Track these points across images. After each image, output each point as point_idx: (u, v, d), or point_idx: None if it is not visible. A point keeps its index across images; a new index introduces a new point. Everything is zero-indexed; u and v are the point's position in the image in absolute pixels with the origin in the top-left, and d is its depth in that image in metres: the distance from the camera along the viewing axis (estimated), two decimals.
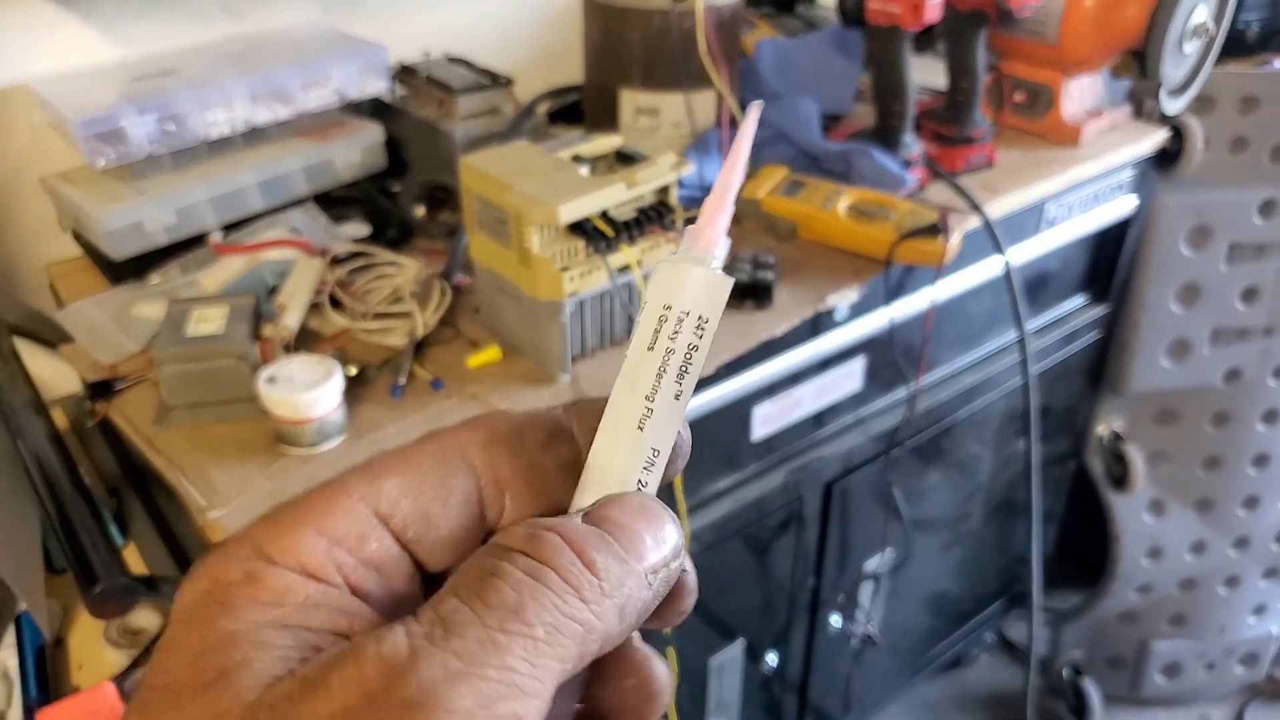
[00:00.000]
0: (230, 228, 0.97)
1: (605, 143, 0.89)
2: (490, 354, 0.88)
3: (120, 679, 0.77)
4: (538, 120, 1.13)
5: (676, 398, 0.24)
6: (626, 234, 0.83)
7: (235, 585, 0.20)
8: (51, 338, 0.99)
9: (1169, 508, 1.51)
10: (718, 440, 1.02)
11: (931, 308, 1.06)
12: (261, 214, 0.98)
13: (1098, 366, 1.48)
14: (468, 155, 0.85)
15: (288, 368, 0.78)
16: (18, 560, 0.83)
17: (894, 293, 1.05)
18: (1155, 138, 1.25)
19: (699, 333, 0.24)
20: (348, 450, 0.78)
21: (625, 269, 0.84)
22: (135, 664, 0.80)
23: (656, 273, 0.25)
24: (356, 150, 1.02)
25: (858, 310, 1.03)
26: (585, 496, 0.24)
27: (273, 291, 0.88)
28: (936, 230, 0.99)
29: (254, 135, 0.98)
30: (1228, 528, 1.50)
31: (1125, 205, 1.30)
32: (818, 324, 1.00)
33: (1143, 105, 1.27)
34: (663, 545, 0.23)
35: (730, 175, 0.25)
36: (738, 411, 1.01)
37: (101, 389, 0.83)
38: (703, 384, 0.90)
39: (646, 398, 0.24)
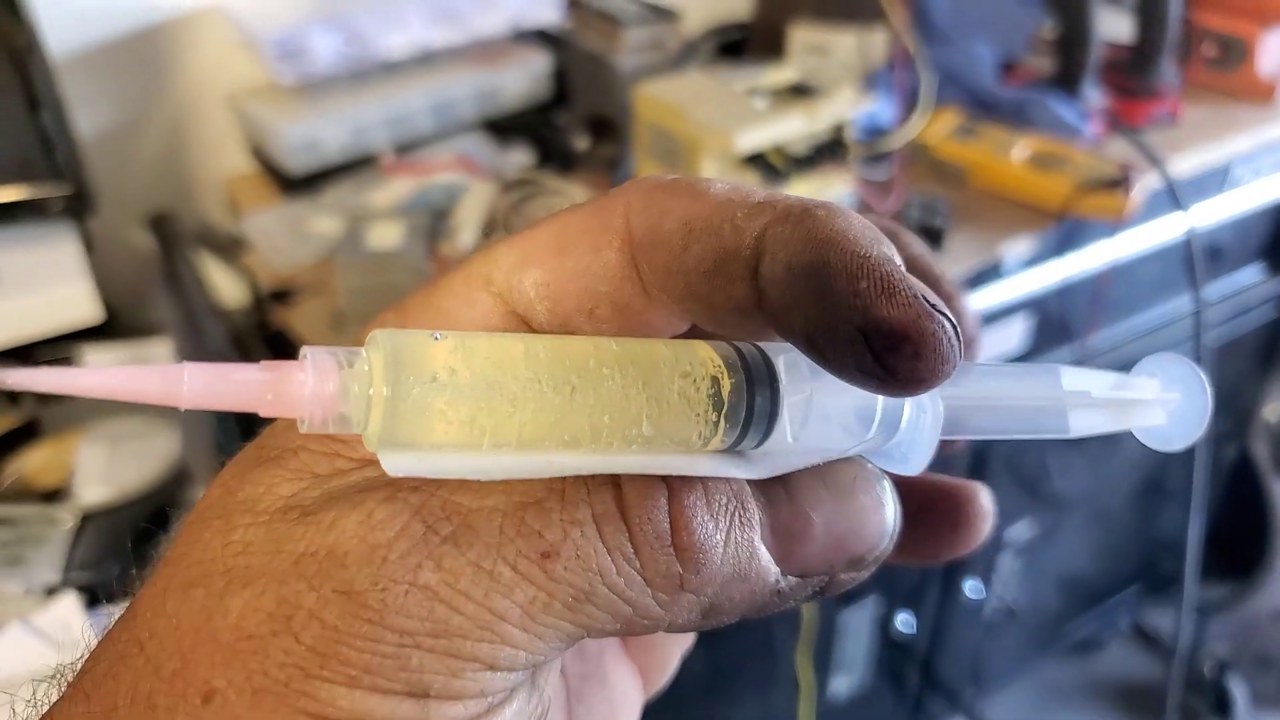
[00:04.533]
0: (398, 150, 0.99)
1: (781, 76, 0.87)
2: None
3: None
4: (702, 56, 1.11)
5: None
6: (800, 169, 0.81)
7: None
8: (222, 248, 1.03)
9: None
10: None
11: (1109, 266, 1.01)
12: (430, 138, 1.00)
13: (1271, 344, 1.39)
14: (642, 84, 0.84)
15: None
16: (199, 453, 0.87)
17: (1062, 248, 1.01)
18: None
19: None
20: None
21: None
22: None
23: None
24: (524, 79, 1.03)
25: (1025, 264, 0.99)
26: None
27: (442, 213, 0.90)
28: (1118, 183, 0.94)
29: (426, 59, 1.00)
30: None
31: None
32: (980, 277, 0.97)
33: None
34: (842, 547, 0.18)
35: None
36: None
37: (279, 297, 0.86)
38: None
39: None
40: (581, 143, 1.03)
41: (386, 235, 0.81)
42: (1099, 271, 1.03)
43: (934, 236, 0.91)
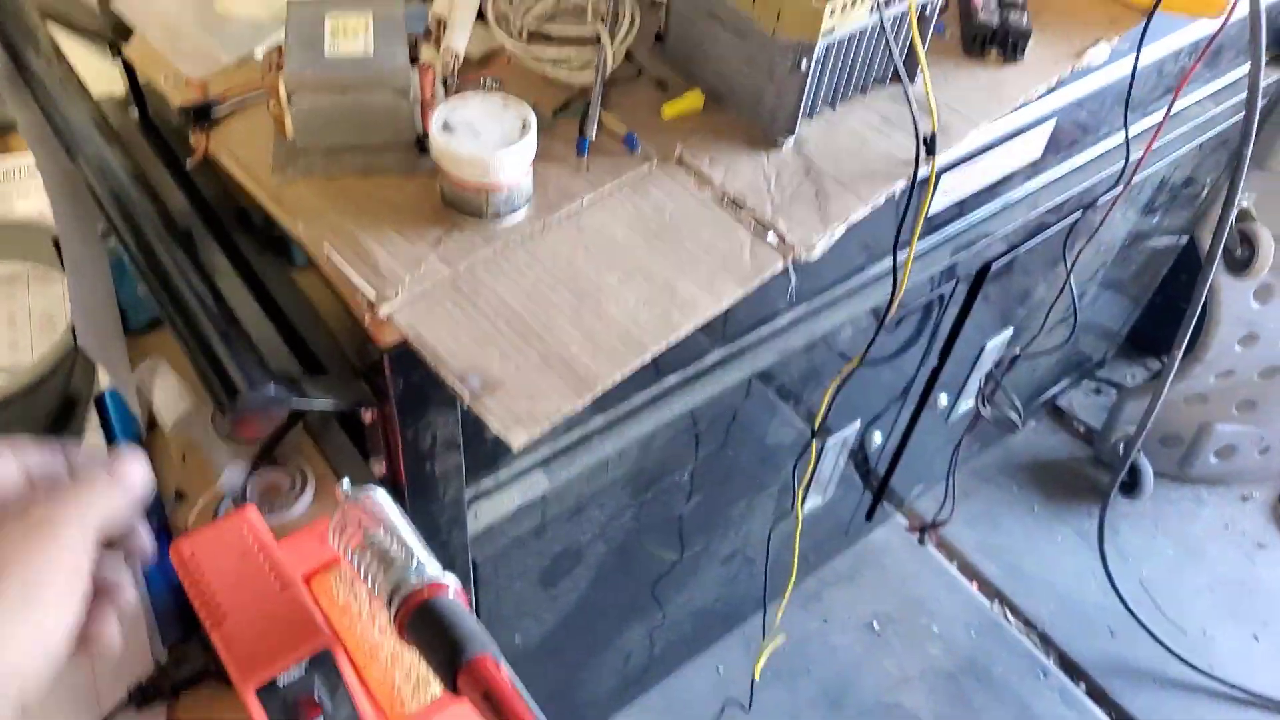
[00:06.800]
0: None
1: None
2: (690, 101, 0.69)
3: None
4: None
5: None
6: None
7: None
8: (87, 24, 0.75)
9: (1276, 293, 1.42)
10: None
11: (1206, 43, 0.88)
12: None
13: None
14: None
15: (464, 110, 0.58)
16: (96, 325, 0.66)
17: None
18: None
19: None
20: (534, 227, 0.61)
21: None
22: (254, 467, 0.66)
23: None
24: None
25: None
26: None
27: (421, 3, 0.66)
28: None
29: None
30: None
31: None
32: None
33: None
34: None
35: None
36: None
37: (196, 115, 0.63)
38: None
39: None
40: None
41: (349, 35, 0.58)
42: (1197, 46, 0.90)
43: (1017, 39, 0.75)
